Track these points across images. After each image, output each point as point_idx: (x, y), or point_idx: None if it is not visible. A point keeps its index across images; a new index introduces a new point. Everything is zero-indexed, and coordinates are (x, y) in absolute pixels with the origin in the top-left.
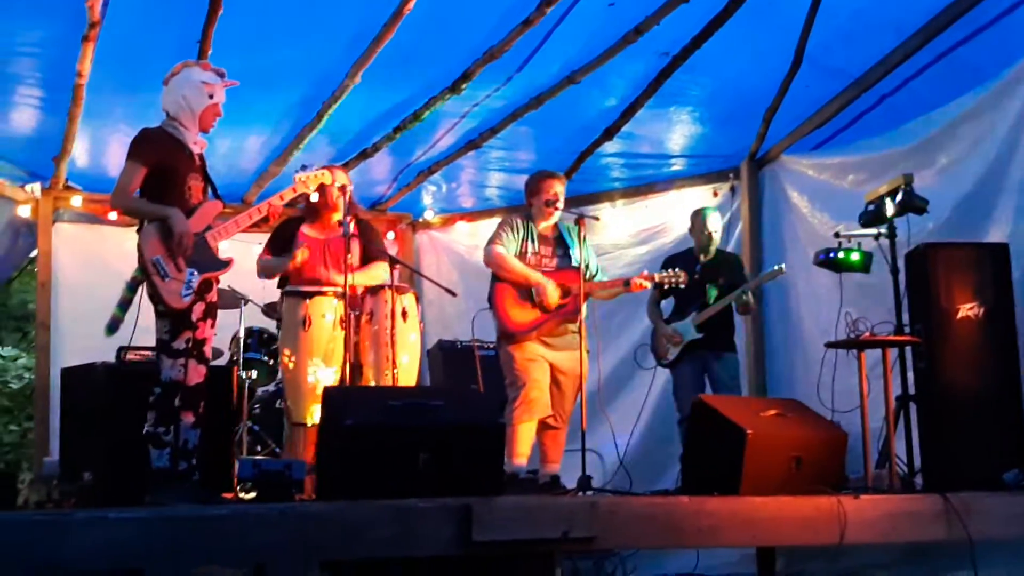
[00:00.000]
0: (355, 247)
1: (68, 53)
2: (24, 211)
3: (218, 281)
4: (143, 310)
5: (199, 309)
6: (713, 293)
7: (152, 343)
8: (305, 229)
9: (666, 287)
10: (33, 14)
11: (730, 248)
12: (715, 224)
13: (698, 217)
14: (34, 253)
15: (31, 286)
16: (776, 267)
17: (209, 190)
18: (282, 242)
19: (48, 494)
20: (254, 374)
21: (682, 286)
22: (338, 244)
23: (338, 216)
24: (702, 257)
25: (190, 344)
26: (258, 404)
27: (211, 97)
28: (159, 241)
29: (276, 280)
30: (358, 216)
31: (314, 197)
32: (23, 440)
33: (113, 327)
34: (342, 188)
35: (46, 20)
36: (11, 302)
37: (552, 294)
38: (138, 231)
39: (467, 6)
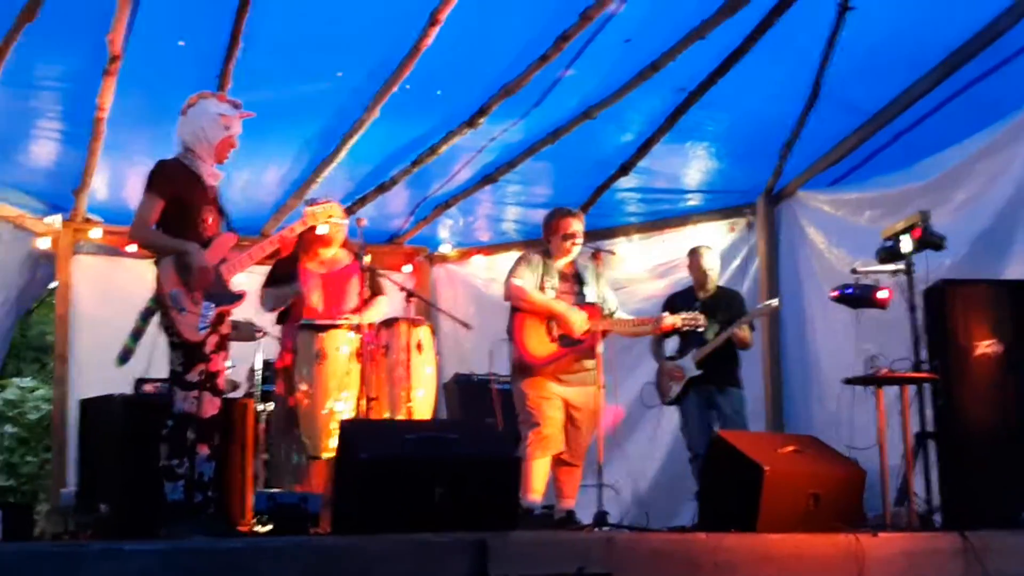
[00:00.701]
0: (357, 282)
1: (89, 87)
2: (44, 243)
3: (230, 313)
4: (159, 340)
5: (212, 341)
6: (712, 330)
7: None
8: (306, 264)
9: (685, 330)
10: (54, 49)
11: (746, 284)
12: (711, 262)
13: (694, 255)
14: (53, 285)
15: (49, 318)
16: (768, 302)
17: (223, 222)
18: (283, 278)
19: (64, 526)
20: (271, 407)
21: (701, 329)
22: (336, 278)
23: (330, 252)
24: (701, 294)
25: (203, 376)
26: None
27: (227, 129)
28: (176, 274)
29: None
30: (356, 252)
31: (323, 229)
32: (40, 471)
33: (125, 357)
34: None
35: (67, 54)
36: (30, 333)
37: (577, 320)
38: (155, 263)
39: (485, 41)
